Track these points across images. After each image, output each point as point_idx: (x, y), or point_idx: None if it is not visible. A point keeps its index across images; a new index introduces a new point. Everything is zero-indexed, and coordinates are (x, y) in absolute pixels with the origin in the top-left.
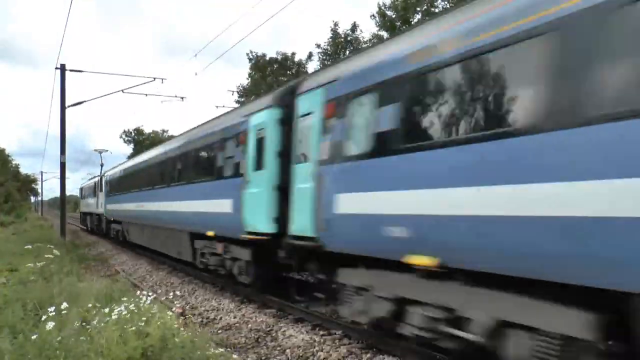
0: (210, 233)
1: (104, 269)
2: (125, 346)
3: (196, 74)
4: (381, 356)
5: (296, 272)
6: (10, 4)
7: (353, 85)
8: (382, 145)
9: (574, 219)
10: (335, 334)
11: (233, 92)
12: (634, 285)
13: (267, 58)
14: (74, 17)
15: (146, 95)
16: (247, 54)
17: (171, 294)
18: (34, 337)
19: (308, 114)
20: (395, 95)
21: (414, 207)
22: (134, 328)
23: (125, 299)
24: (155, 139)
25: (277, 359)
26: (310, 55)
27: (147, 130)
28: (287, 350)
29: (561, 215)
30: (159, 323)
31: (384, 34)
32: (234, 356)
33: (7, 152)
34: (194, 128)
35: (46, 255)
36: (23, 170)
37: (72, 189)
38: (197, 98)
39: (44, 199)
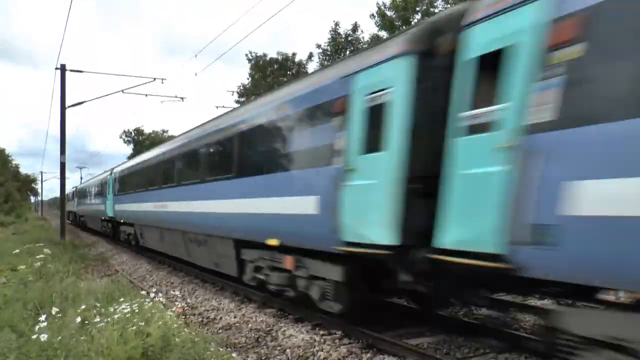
0: (272, 242)
1: (104, 268)
2: (126, 346)
3: (196, 74)
4: (381, 356)
5: (400, 297)
6: (10, 4)
7: None
8: None
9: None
10: (335, 333)
11: (233, 92)
12: None
13: (267, 58)
14: (74, 17)
15: (146, 95)
16: (246, 55)
17: (171, 293)
18: (34, 336)
19: (500, 49)
20: None
21: None
22: (134, 328)
23: (122, 299)
24: (155, 139)
25: (277, 359)
26: (310, 56)
27: (147, 130)
28: (287, 350)
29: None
30: (159, 323)
31: (384, 34)
32: (234, 355)
33: (7, 152)
34: (243, 106)
35: (39, 256)
36: (23, 170)
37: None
38: (197, 98)
39: (43, 199)
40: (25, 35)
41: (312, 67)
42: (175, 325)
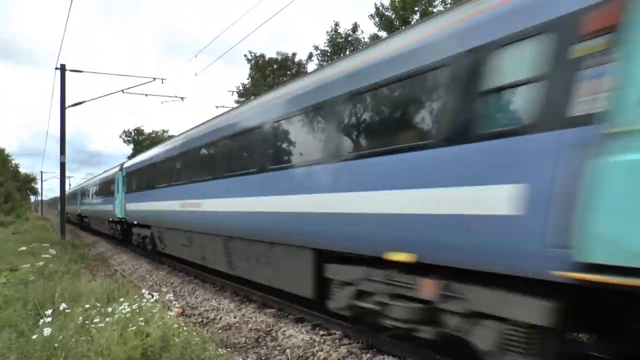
0: (398, 256)
1: (104, 268)
2: (125, 346)
3: (196, 74)
4: (381, 356)
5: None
6: (10, 4)
7: None
8: None
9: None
10: (335, 334)
11: (233, 92)
12: None
13: (267, 58)
14: (74, 17)
15: (146, 95)
16: (245, 55)
17: (171, 293)
18: (34, 336)
19: None
20: None
21: None
22: (134, 328)
23: (122, 299)
24: (155, 140)
25: (277, 359)
26: (310, 56)
27: (147, 130)
28: (287, 350)
29: None
30: (159, 323)
31: (384, 34)
32: (234, 356)
33: (7, 152)
34: (345, 58)
35: (43, 255)
36: (23, 170)
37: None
38: (197, 98)
39: (44, 198)
40: (25, 35)
41: (311, 67)
42: (175, 325)
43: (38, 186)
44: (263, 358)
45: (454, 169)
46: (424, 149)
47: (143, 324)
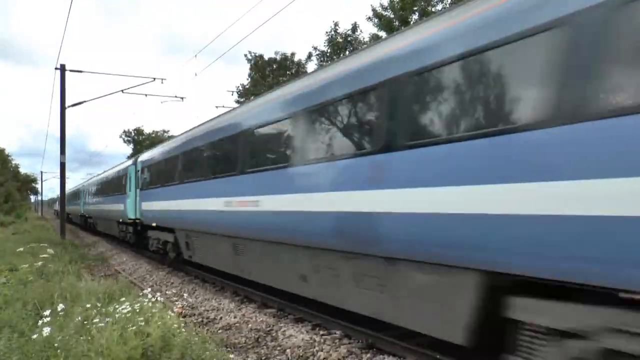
0: None
1: (104, 268)
2: (125, 346)
3: (196, 74)
4: (381, 356)
5: None
6: (10, 4)
7: None
8: None
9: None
10: (335, 333)
11: (233, 92)
12: None
13: (267, 59)
14: (74, 17)
15: (146, 95)
16: (245, 55)
17: (171, 293)
18: (34, 336)
19: None
20: None
21: None
22: (134, 328)
23: (123, 299)
24: (155, 140)
25: (277, 359)
26: (310, 56)
27: (147, 130)
28: (287, 350)
29: None
30: (159, 323)
31: (383, 34)
32: (233, 356)
33: (7, 152)
34: None
35: (42, 255)
36: (23, 170)
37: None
38: (197, 98)
39: (43, 198)
40: (25, 35)
41: (311, 67)
42: (175, 325)
43: (38, 186)
44: (263, 358)
45: None
46: None
47: (143, 324)
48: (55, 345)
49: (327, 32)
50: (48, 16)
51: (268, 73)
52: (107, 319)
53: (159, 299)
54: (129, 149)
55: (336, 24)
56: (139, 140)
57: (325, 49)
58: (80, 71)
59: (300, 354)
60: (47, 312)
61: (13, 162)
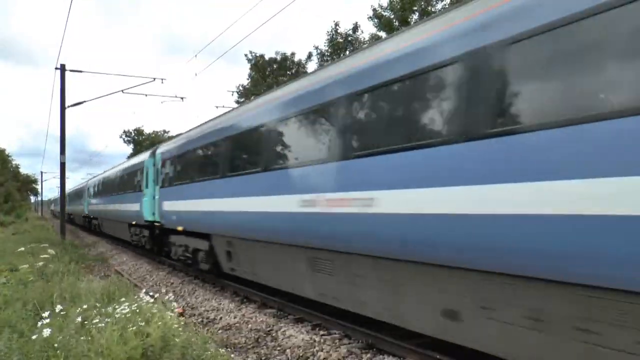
0: None
1: (104, 269)
2: (125, 346)
3: (196, 74)
4: (381, 356)
5: None
6: (10, 4)
7: None
8: None
9: None
10: (335, 334)
11: (233, 92)
12: None
13: (267, 59)
14: (74, 17)
15: (146, 95)
16: (246, 55)
17: (171, 293)
18: (34, 336)
19: None
20: None
21: None
22: (134, 328)
23: (123, 299)
24: (155, 140)
25: (277, 359)
26: (310, 56)
27: (147, 130)
28: (287, 350)
29: None
30: (159, 323)
31: (384, 34)
32: (233, 356)
33: (7, 152)
34: None
35: (42, 255)
36: (23, 170)
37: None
38: (197, 98)
39: (43, 198)
40: (25, 35)
41: (311, 66)
42: (175, 325)
43: (38, 187)
44: (263, 358)
45: None
46: None
47: (143, 324)
48: (55, 345)
49: (327, 32)
50: (48, 16)
51: (268, 73)
52: (107, 319)
53: (163, 298)
54: (129, 149)
55: (337, 24)
56: (139, 141)
57: (327, 49)
58: (80, 71)
59: (300, 354)
60: (47, 313)
61: (13, 162)
